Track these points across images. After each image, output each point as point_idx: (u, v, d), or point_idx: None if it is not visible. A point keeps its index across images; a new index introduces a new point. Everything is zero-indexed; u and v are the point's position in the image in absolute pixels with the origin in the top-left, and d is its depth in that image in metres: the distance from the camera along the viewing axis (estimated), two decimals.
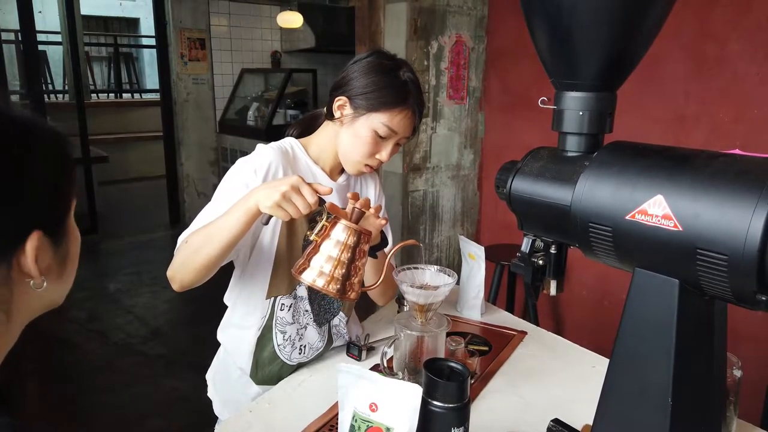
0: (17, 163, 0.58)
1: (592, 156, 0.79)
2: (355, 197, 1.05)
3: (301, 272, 0.98)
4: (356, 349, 1.35)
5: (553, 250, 0.88)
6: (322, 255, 0.97)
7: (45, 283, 0.61)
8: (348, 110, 1.21)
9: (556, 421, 1.05)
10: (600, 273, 2.69)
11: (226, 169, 1.20)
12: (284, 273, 1.23)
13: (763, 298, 0.61)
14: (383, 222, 1.11)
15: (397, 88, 1.19)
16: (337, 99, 1.22)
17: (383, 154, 1.23)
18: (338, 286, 0.96)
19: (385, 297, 1.38)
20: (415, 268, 1.20)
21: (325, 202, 1.00)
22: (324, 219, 0.98)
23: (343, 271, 0.97)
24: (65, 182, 0.64)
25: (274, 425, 1.12)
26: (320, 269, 0.97)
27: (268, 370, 1.28)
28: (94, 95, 8.67)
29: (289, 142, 1.27)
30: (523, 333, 1.50)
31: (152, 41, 5.94)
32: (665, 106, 2.39)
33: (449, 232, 3.20)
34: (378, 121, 1.19)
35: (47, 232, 0.61)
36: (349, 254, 0.98)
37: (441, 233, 3.17)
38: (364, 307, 1.52)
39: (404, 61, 1.24)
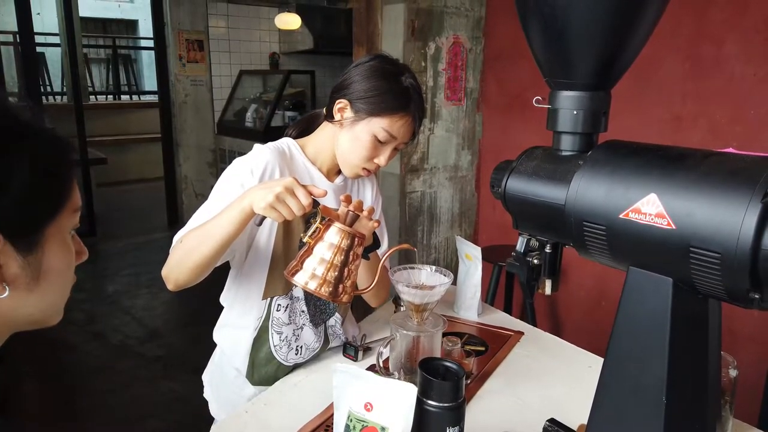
0: None
1: (587, 155, 0.79)
2: (348, 200, 1.05)
3: (293, 274, 0.98)
4: (353, 350, 1.35)
5: (548, 249, 0.88)
6: (315, 257, 0.97)
7: (7, 291, 0.59)
8: (348, 113, 1.21)
9: (552, 420, 1.05)
10: (597, 274, 2.69)
11: (223, 171, 1.21)
12: (281, 273, 1.22)
13: (756, 296, 0.61)
14: (376, 224, 1.11)
15: (399, 94, 1.19)
16: (338, 101, 1.22)
17: (381, 159, 1.23)
18: (330, 289, 0.96)
19: (378, 299, 1.38)
20: (411, 267, 1.20)
21: (319, 204, 1.00)
22: (317, 221, 0.98)
23: (336, 273, 0.97)
24: (44, 189, 0.61)
25: (270, 425, 1.12)
26: (313, 271, 0.96)
27: (264, 370, 1.28)
28: (92, 97, 8.66)
29: (286, 142, 1.27)
30: (520, 333, 1.50)
31: (150, 43, 5.95)
32: (662, 106, 2.40)
33: (447, 233, 3.20)
34: (378, 125, 1.19)
35: (13, 237, 0.58)
36: (342, 257, 0.97)
37: (439, 234, 3.17)
38: (361, 308, 1.52)
39: (406, 67, 1.25)
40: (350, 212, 1.04)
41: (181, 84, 5.22)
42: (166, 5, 5.07)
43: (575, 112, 0.80)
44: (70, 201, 0.64)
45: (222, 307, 1.33)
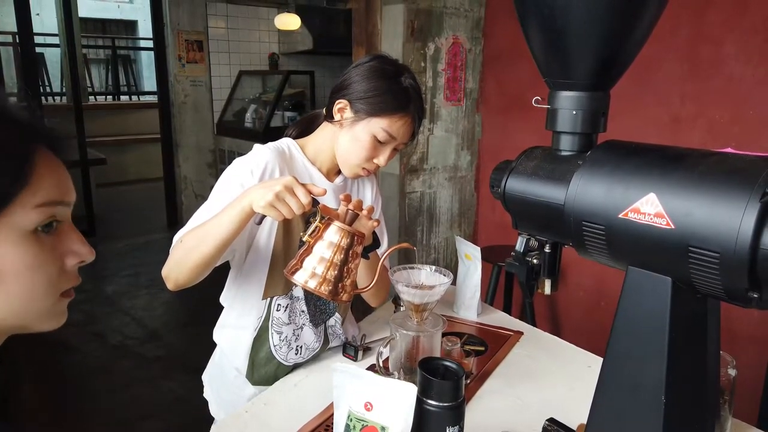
0: None
1: (586, 155, 0.79)
2: (348, 199, 1.06)
3: (293, 273, 0.98)
4: (352, 350, 1.35)
5: (547, 249, 0.88)
6: (314, 256, 0.97)
7: None
8: (348, 113, 1.21)
9: (551, 420, 1.05)
10: (597, 274, 2.69)
11: (223, 172, 1.21)
12: (280, 273, 1.22)
13: (755, 296, 0.61)
14: (375, 224, 1.11)
15: (399, 95, 1.19)
16: (337, 102, 1.22)
17: (381, 159, 1.23)
18: (330, 288, 0.96)
19: (377, 298, 1.38)
20: (411, 267, 1.20)
21: (319, 203, 1.00)
22: (317, 220, 0.98)
23: (336, 272, 0.97)
24: None
25: (270, 425, 1.12)
26: (312, 270, 0.96)
27: (264, 370, 1.28)
28: (92, 97, 8.67)
29: (285, 142, 1.28)
30: (520, 333, 1.50)
31: (150, 43, 5.95)
32: (662, 107, 2.40)
33: (446, 234, 3.21)
34: (378, 126, 1.19)
35: None
36: (342, 256, 0.98)
37: (438, 234, 3.17)
38: (361, 308, 1.52)
39: (406, 67, 1.25)
40: (350, 211, 1.04)
41: (180, 84, 5.22)
42: (165, 6, 5.07)
43: (574, 112, 0.81)
44: (23, 195, 0.57)
45: (222, 307, 1.34)
